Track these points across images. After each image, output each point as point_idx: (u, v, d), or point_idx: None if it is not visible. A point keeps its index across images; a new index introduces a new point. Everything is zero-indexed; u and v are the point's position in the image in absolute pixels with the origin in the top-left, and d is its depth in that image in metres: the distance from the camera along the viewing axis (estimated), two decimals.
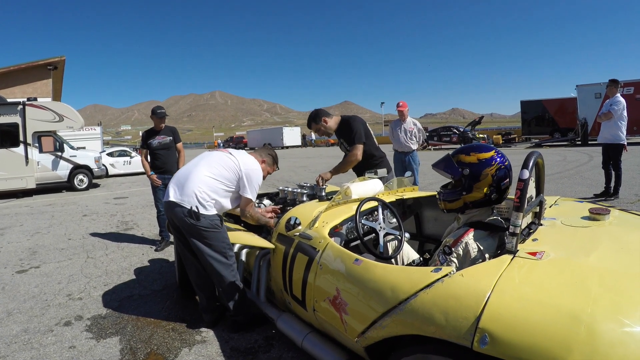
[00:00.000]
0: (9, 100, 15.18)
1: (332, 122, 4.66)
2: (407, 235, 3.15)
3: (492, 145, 2.52)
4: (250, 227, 4.10)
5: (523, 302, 1.67)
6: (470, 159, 2.45)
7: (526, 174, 2.00)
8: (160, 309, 4.19)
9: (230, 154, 3.63)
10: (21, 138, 14.28)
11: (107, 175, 20.21)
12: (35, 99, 14.95)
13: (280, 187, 4.58)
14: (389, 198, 3.59)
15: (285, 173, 18.27)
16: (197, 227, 3.34)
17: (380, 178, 3.90)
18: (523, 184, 1.99)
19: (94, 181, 17.00)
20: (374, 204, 3.26)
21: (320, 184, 4.23)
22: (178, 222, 3.41)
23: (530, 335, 1.55)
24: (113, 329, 3.80)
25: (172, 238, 5.87)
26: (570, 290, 1.68)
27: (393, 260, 2.96)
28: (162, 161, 6.45)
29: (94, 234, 7.88)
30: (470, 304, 1.75)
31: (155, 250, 6.43)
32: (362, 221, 2.95)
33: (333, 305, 2.53)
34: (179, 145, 6.69)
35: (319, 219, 3.10)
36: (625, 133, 8.06)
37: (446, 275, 1.96)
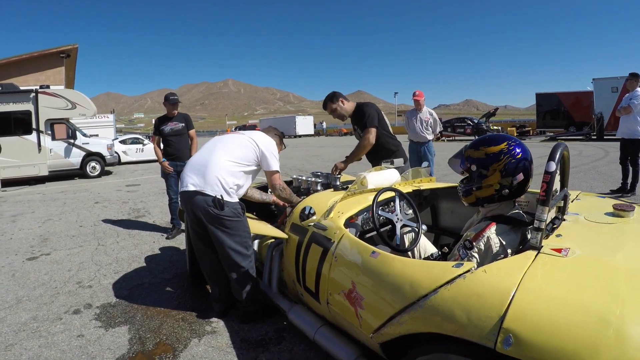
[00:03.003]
0: (21, 88, 15.18)
1: (349, 106, 4.58)
2: (424, 227, 3.05)
3: (509, 136, 2.38)
4: (262, 216, 4.03)
5: (549, 301, 1.58)
6: (478, 154, 2.36)
7: (553, 166, 1.89)
8: (170, 298, 4.15)
9: (242, 133, 3.58)
10: (34, 125, 14.31)
11: (119, 163, 20.31)
12: (47, 87, 14.96)
13: (294, 176, 4.48)
14: (405, 189, 3.49)
15: (298, 162, 18.14)
16: (222, 217, 3.24)
17: (396, 168, 3.80)
18: (549, 176, 1.88)
19: (107, 168, 17.05)
20: (390, 194, 3.17)
21: (335, 173, 4.14)
22: (199, 212, 3.27)
23: (557, 337, 1.47)
24: (122, 317, 3.76)
25: (183, 226, 5.83)
26: (597, 291, 1.59)
27: (409, 253, 2.87)
28: (174, 148, 6.39)
29: (105, 221, 7.87)
30: (494, 302, 1.67)
31: (167, 238, 6.39)
32: (379, 212, 2.86)
33: (348, 298, 2.45)
34: (192, 132, 6.63)
35: (334, 209, 3.00)
36: None
37: (468, 271, 1.87)
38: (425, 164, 3.94)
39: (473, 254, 2.17)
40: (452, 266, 1.95)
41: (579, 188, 8.52)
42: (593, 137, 26.44)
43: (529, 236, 2.27)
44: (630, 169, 8.07)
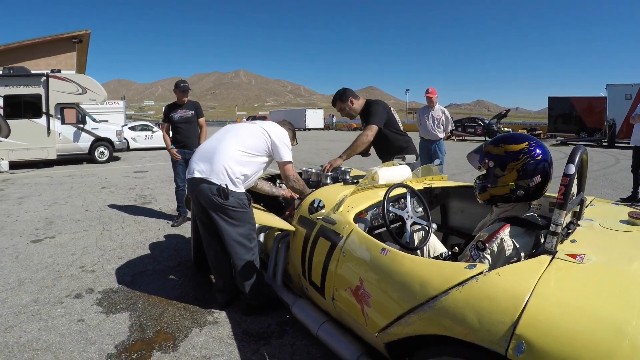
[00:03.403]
0: (33, 71, 15.19)
1: (358, 105, 4.48)
2: (434, 226, 2.98)
3: (531, 137, 2.32)
4: (270, 208, 3.98)
5: (564, 308, 1.53)
6: (497, 150, 2.30)
7: (572, 169, 1.83)
8: (173, 286, 4.11)
9: (255, 123, 3.51)
10: (44, 109, 14.31)
11: (128, 149, 20.32)
12: (59, 71, 14.94)
13: (304, 168, 4.41)
14: (416, 186, 3.42)
15: (307, 155, 18.15)
16: (225, 207, 3.16)
17: (408, 164, 3.74)
18: (568, 180, 1.81)
19: (115, 154, 17.03)
20: (401, 191, 3.10)
21: (327, 170, 4.05)
22: (204, 200, 3.21)
23: (571, 346, 1.43)
24: (124, 304, 3.73)
25: (189, 214, 5.78)
26: (613, 300, 1.54)
27: (419, 251, 2.81)
28: (183, 135, 6.35)
29: (111, 206, 7.85)
30: (507, 306, 1.62)
31: (172, 225, 6.37)
32: (390, 208, 2.79)
33: (355, 295, 2.39)
34: (201, 120, 6.58)
35: (344, 203, 2.94)
36: None
37: (481, 273, 1.81)
38: (437, 161, 3.87)
39: (485, 255, 2.12)
40: (465, 267, 1.89)
41: (589, 195, 8.42)
42: (604, 144, 26.20)
43: (541, 240, 2.21)
44: None
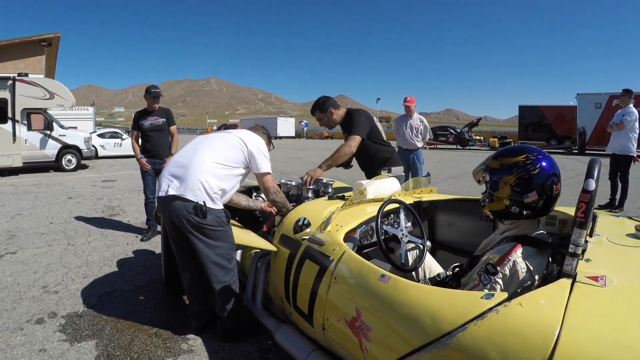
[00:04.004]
0: None
1: (338, 115, 4.23)
2: (428, 244, 2.76)
3: (533, 149, 2.13)
4: (245, 223, 3.72)
5: (598, 342, 1.38)
6: (494, 164, 2.16)
7: (593, 184, 1.66)
8: (143, 309, 3.80)
9: (230, 132, 3.25)
10: (9, 114, 13.77)
11: (96, 157, 19.73)
12: (26, 75, 14.38)
13: (283, 180, 4.14)
14: (406, 200, 3.20)
15: (279, 164, 17.85)
16: (203, 226, 2.87)
17: (395, 177, 3.52)
18: (589, 196, 1.65)
19: (83, 162, 16.49)
20: (392, 206, 2.88)
21: (308, 183, 3.76)
22: (178, 220, 2.91)
23: None
24: (89, 330, 3.41)
25: (159, 227, 5.46)
26: None
27: (414, 273, 2.59)
28: (153, 144, 6.02)
29: (77, 219, 7.45)
30: (537, 343, 1.44)
31: (141, 240, 6.02)
32: (383, 227, 2.57)
33: (351, 327, 2.15)
34: (173, 128, 6.25)
35: (332, 221, 2.69)
36: (635, 145, 7.84)
37: (501, 303, 1.62)
38: (425, 172, 3.66)
39: (497, 280, 1.92)
40: (481, 297, 1.68)
41: (567, 202, 8.37)
42: (574, 151, 26.73)
43: (550, 259, 2.04)
44: (620, 184, 8.07)
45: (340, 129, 4.35)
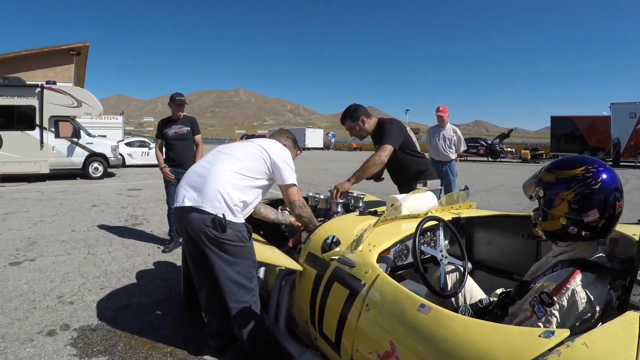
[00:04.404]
0: (28, 82, 14.81)
1: (370, 125, 3.97)
2: (469, 265, 2.48)
3: (593, 160, 1.85)
4: (270, 237, 3.48)
5: None
6: (549, 177, 1.88)
7: None
8: (159, 325, 3.60)
9: (251, 141, 3.00)
10: (37, 121, 13.94)
11: (123, 165, 19.83)
12: (54, 83, 14.59)
13: (311, 194, 3.89)
14: (444, 216, 2.92)
15: (307, 175, 17.65)
16: (221, 241, 2.64)
17: (431, 190, 3.22)
18: None
19: (110, 170, 16.61)
20: (428, 223, 2.60)
21: (336, 197, 3.51)
22: (195, 233, 2.69)
23: None
24: (101, 345, 3.22)
25: (181, 239, 5.28)
26: None
27: (453, 298, 2.31)
28: (177, 153, 5.87)
29: (100, 227, 7.36)
30: None
31: (163, 251, 5.85)
32: (421, 247, 2.30)
33: None
34: (198, 137, 6.09)
35: (363, 240, 2.43)
36: None
37: (562, 343, 1.35)
38: (462, 186, 3.35)
39: (554, 312, 1.64)
40: (539, 335, 1.41)
41: None
42: (609, 163, 25.96)
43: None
44: None
45: (372, 140, 4.10)
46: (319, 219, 3.16)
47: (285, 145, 3.12)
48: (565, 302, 1.64)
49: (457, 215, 3.04)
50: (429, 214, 2.79)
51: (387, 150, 3.69)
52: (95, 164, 15.50)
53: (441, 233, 2.46)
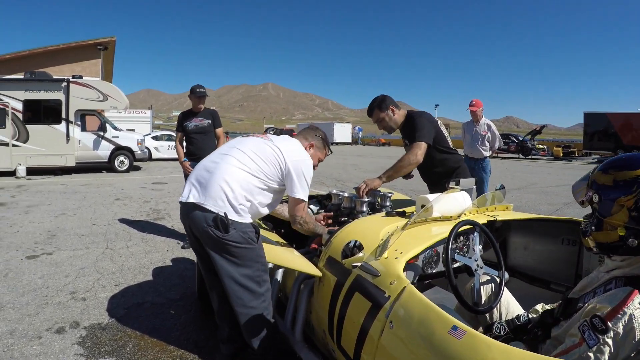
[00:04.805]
0: (55, 77, 14.93)
1: (399, 115, 3.67)
2: (506, 275, 2.21)
3: None
4: (294, 238, 3.25)
5: None
6: (604, 179, 1.57)
7: None
8: (172, 326, 3.43)
9: (270, 140, 2.69)
10: (63, 115, 14.04)
11: (150, 159, 19.89)
12: (80, 77, 14.68)
13: (334, 191, 3.63)
14: (479, 219, 2.63)
15: (335, 170, 17.37)
16: (224, 242, 2.39)
17: (465, 190, 2.93)
18: None
19: (136, 164, 16.67)
20: (463, 227, 2.33)
21: (362, 193, 3.25)
22: (198, 232, 2.47)
23: None
24: (110, 345, 3.09)
25: None
26: None
27: (487, 314, 2.05)
28: (197, 147, 5.69)
29: (121, 221, 7.29)
30: None
31: (182, 247, 5.71)
32: (455, 256, 2.05)
33: None
34: (219, 130, 5.91)
35: (389, 246, 2.15)
36: None
37: None
38: (499, 185, 3.05)
39: (607, 340, 1.36)
40: None
41: None
42: None
43: None
44: None
45: (400, 134, 3.84)
46: (342, 219, 2.93)
47: (312, 145, 2.84)
48: (621, 329, 1.38)
49: (493, 218, 2.74)
50: (463, 217, 2.53)
51: (422, 148, 3.42)
52: (121, 158, 15.53)
53: (476, 238, 2.19)
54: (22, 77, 14.69)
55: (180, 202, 2.56)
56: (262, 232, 2.82)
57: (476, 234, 2.21)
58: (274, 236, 2.93)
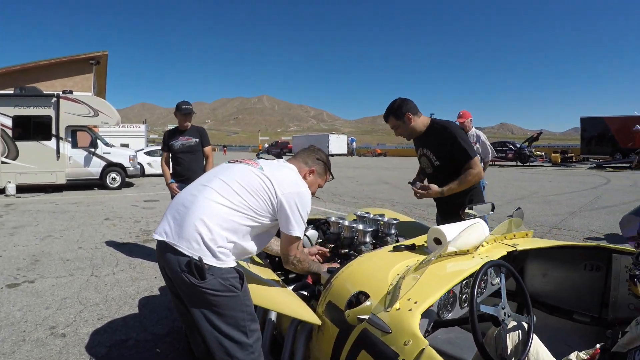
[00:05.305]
0: (45, 92, 14.66)
1: (419, 123, 3.34)
2: (534, 319, 1.88)
3: None
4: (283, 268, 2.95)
5: None
6: None
7: None
8: None
9: (261, 168, 2.27)
10: (54, 131, 13.75)
11: (143, 175, 19.55)
12: (70, 92, 14.38)
13: (333, 219, 3.26)
14: (499, 251, 2.35)
15: (331, 184, 16.88)
16: (202, 290, 2.00)
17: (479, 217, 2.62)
18: None
19: (129, 180, 16.35)
20: (476, 265, 2.01)
21: (418, 190, 3.17)
22: (171, 275, 2.09)
23: None
24: None
25: None
26: None
27: None
28: (185, 167, 5.39)
29: (108, 243, 6.97)
30: None
31: None
32: (480, 307, 1.72)
33: None
34: (207, 149, 5.62)
35: (400, 293, 1.81)
36: None
37: None
38: (516, 208, 2.75)
39: None
40: None
41: None
42: None
43: None
44: None
45: (415, 142, 3.54)
46: (343, 251, 2.63)
47: (313, 171, 2.47)
48: None
49: (514, 249, 2.42)
50: (481, 249, 2.23)
51: (478, 163, 3.19)
52: (113, 174, 15.19)
53: (503, 282, 1.89)
54: (11, 92, 14.42)
55: (156, 239, 2.19)
56: (255, 268, 2.51)
57: (502, 275, 1.91)
58: (267, 273, 2.56)
